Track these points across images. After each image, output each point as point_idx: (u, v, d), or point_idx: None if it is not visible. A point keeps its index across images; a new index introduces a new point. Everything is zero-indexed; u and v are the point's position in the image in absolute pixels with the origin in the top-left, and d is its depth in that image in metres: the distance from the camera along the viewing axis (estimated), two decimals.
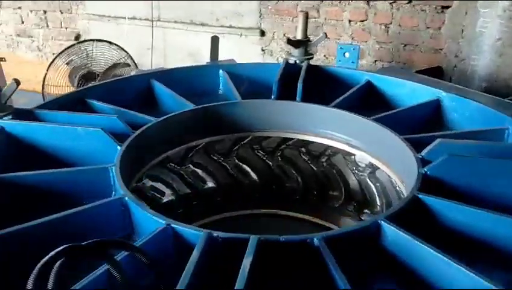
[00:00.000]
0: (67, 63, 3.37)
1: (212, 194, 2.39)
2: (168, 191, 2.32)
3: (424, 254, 1.16)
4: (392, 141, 1.71)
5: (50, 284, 0.91)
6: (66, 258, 0.99)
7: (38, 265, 0.93)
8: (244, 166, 2.42)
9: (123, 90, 2.15)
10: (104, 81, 2.18)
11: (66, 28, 4.51)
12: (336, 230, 1.19)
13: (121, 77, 2.44)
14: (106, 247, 1.07)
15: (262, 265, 1.12)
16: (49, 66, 3.22)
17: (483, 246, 1.29)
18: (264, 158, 2.41)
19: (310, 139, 2.05)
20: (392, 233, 1.23)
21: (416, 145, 1.64)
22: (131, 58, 3.67)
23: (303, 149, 2.36)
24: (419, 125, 1.98)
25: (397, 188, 2.07)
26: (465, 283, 1.06)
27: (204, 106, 1.94)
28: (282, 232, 2.60)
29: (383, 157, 1.82)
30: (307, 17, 2.33)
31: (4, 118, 1.71)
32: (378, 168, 1.98)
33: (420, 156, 1.57)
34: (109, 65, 3.49)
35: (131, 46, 3.87)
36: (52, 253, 0.95)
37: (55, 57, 3.41)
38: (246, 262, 1.04)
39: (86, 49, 3.50)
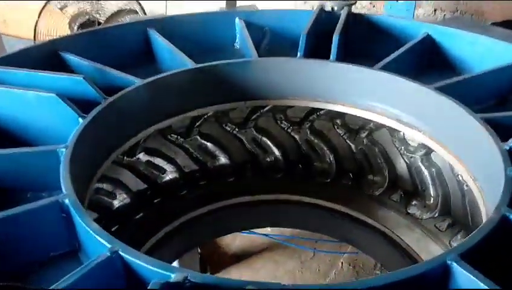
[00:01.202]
0: (60, 8, 2.90)
1: (223, 173, 1.96)
2: (170, 168, 1.91)
3: None
4: (464, 121, 1.21)
5: None
6: None
7: None
8: (264, 139, 1.96)
9: (112, 42, 1.70)
10: (87, 30, 1.72)
11: None
12: (377, 277, 0.73)
13: (107, 26, 1.99)
14: None
15: None
16: (41, 12, 2.77)
17: None
18: (289, 130, 1.95)
19: (345, 112, 1.55)
20: (468, 281, 0.76)
21: (498, 130, 1.14)
22: (140, 5, 3.14)
23: (338, 121, 1.88)
24: (497, 98, 1.46)
25: (459, 178, 1.58)
26: None
27: (205, 65, 1.47)
28: (305, 225, 2.18)
29: (449, 143, 1.32)
30: None
31: None
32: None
33: (507, 147, 1.07)
34: (112, 12, 3.01)
35: None
36: None
37: (47, 2, 2.94)
38: None
39: None
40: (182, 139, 1.87)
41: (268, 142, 1.97)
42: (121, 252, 0.79)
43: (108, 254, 0.79)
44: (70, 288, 0.75)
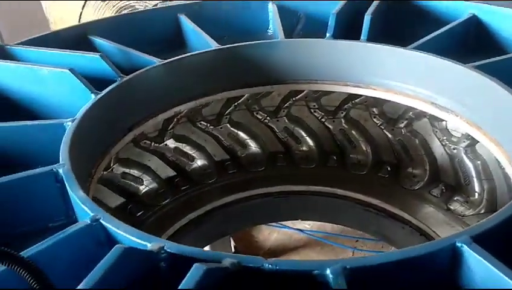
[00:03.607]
0: None
1: (254, 162, 1.90)
2: (198, 155, 1.88)
3: None
4: (505, 103, 1.08)
5: None
6: None
7: None
8: (297, 129, 1.89)
9: (141, 26, 1.70)
10: (116, 14, 1.74)
11: None
12: (376, 256, 0.65)
13: (138, 11, 2.00)
14: None
15: None
16: (85, 3, 2.82)
17: None
18: (323, 120, 1.86)
19: (378, 96, 1.45)
20: (479, 266, 0.66)
21: None
22: None
23: (375, 110, 1.77)
24: None
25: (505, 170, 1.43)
26: None
27: (229, 46, 1.42)
28: (336, 219, 2.08)
29: (488, 128, 1.19)
30: None
31: None
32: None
33: None
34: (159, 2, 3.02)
35: None
36: None
37: None
38: None
39: None
40: (211, 127, 1.84)
41: (301, 132, 1.89)
42: (102, 221, 0.76)
43: (89, 221, 0.76)
44: (48, 253, 0.73)
